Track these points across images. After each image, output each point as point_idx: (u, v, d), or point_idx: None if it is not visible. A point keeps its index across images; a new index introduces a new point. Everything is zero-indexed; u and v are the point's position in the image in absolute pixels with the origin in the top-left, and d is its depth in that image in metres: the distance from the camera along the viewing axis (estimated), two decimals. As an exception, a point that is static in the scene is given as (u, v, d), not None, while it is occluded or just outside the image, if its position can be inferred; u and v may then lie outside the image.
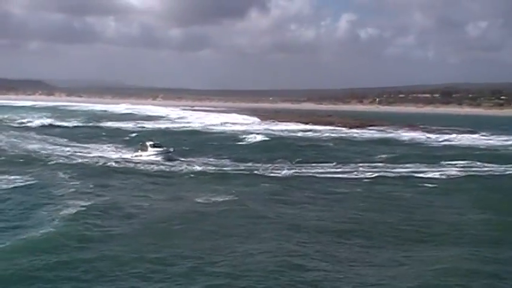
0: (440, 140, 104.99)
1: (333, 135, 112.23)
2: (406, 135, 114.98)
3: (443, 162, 68.23)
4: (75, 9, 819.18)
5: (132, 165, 62.36)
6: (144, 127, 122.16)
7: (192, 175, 56.72)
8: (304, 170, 60.70)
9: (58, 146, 79.10)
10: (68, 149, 76.02)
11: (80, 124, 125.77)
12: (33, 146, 77.43)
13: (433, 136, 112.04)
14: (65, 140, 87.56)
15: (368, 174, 58.89)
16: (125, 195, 44.83)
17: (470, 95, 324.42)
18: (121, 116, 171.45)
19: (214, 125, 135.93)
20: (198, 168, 61.11)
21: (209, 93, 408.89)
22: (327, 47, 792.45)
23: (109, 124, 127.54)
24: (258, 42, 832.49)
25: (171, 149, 71.35)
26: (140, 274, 26.63)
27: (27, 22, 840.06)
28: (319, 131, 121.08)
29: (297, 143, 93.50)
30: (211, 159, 68.96)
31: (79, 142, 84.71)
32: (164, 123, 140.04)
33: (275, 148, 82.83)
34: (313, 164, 64.79)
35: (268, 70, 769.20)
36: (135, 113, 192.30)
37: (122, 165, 62.03)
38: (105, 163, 62.59)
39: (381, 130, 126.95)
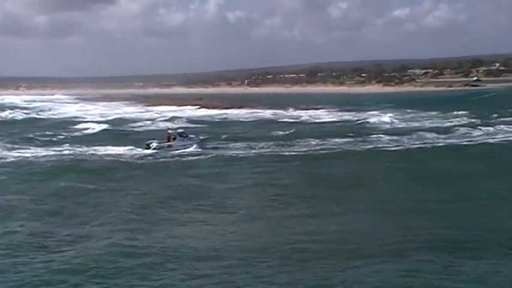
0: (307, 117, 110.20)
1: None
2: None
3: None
4: None
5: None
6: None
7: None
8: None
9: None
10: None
11: None
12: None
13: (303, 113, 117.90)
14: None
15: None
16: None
17: (333, 74, 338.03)
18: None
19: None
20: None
21: (76, 81, 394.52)
22: (196, 30, 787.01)
23: None
24: (128, 27, 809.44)
25: (206, 136, 67.47)
26: None
27: None
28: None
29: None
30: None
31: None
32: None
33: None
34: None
35: (138, 55, 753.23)
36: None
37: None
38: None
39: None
